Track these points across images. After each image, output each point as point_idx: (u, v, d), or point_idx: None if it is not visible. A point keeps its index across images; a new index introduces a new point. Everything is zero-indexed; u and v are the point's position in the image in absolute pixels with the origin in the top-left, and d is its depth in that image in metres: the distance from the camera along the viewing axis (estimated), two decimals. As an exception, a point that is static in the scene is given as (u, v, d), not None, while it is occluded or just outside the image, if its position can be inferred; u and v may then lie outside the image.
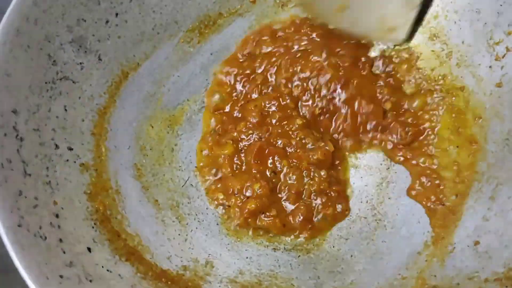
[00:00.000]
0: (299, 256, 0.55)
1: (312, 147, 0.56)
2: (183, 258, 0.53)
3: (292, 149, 0.57)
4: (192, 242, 0.55)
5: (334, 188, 0.57)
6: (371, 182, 0.58)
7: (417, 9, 0.53)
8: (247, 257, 0.55)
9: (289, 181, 0.56)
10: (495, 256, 0.46)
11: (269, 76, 0.61)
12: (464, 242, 0.49)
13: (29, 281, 0.39)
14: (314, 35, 0.61)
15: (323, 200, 0.56)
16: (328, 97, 0.58)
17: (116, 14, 0.56)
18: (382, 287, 0.50)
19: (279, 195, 0.56)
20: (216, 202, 0.58)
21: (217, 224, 0.57)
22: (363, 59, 0.60)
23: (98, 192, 0.51)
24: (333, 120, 0.59)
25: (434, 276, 0.48)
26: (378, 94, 0.59)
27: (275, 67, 0.61)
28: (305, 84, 0.60)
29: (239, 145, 0.59)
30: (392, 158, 0.58)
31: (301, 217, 0.55)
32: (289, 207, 0.56)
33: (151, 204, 0.56)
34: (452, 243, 0.50)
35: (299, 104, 0.60)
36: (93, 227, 0.49)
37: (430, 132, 0.57)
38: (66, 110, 0.52)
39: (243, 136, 0.58)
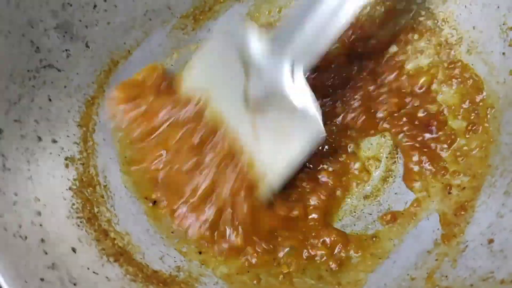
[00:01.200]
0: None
1: None
2: (176, 258, 0.51)
3: None
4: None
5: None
6: (377, 177, 0.56)
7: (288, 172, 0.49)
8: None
9: None
10: (511, 255, 0.44)
11: None
12: (477, 240, 0.47)
13: (5, 285, 0.37)
14: None
15: None
16: None
17: (105, -2, 0.54)
18: (389, 288, 0.48)
19: None
20: None
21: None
22: None
23: (84, 188, 0.50)
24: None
25: (445, 277, 0.47)
26: None
27: None
28: None
29: None
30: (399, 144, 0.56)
31: None
32: None
33: (142, 200, 0.54)
34: (464, 241, 0.49)
35: None
36: (78, 226, 0.47)
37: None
38: (50, 100, 0.50)
39: None
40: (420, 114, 0.56)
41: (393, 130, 0.56)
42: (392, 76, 0.57)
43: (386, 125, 0.56)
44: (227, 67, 0.47)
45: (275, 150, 0.47)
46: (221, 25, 0.48)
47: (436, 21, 0.57)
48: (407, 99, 0.56)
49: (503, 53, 0.52)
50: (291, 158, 0.46)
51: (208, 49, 0.48)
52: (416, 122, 0.55)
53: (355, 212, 0.55)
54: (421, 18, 0.58)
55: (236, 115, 0.48)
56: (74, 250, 0.45)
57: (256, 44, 0.45)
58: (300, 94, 0.44)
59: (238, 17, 0.51)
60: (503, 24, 0.52)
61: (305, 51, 0.44)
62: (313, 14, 0.42)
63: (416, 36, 0.58)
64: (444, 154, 0.54)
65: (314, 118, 0.44)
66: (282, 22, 0.45)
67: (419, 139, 0.55)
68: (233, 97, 0.47)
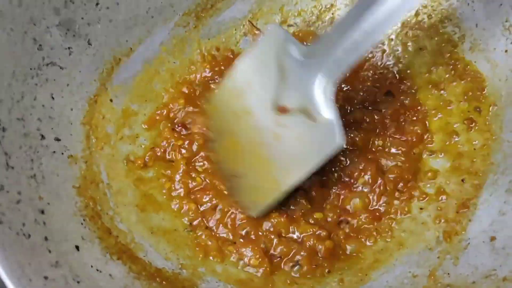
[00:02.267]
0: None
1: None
2: (179, 256, 0.51)
3: None
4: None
5: None
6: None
7: (279, 196, 0.51)
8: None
9: None
10: (514, 253, 0.44)
11: None
12: (479, 238, 0.47)
13: (10, 284, 0.37)
14: None
15: None
16: None
17: (107, -4, 0.54)
18: (391, 286, 0.48)
19: None
20: None
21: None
22: None
23: (87, 186, 0.50)
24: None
25: (447, 274, 0.47)
26: None
27: None
28: None
29: None
30: None
31: None
32: None
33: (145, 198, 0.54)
34: (466, 239, 0.48)
35: None
36: (82, 224, 0.47)
37: None
38: (53, 98, 0.50)
39: None
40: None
41: None
42: None
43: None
44: (265, 69, 0.49)
45: (294, 154, 0.48)
46: (269, 31, 0.49)
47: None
48: None
49: (506, 51, 0.52)
50: (307, 165, 0.48)
51: (253, 50, 0.50)
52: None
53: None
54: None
55: (263, 113, 0.49)
56: (77, 248, 0.44)
57: (295, 54, 0.47)
58: (328, 106, 0.46)
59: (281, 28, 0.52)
60: (506, 22, 0.52)
61: (339, 66, 0.46)
62: (352, 32, 0.44)
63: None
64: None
65: (338, 130, 0.46)
66: (322, 36, 0.47)
67: None
68: (264, 96, 0.49)
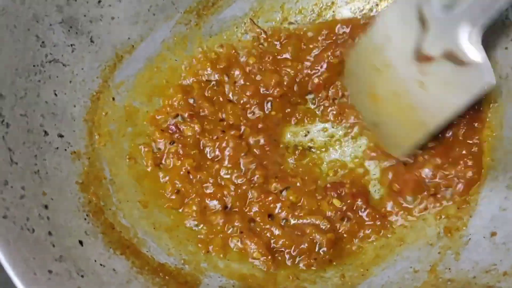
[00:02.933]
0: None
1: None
2: (181, 251, 0.51)
3: None
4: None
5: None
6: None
7: (425, 136, 0.52)
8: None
9: None
10: (514, 248, 0.44)
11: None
12: (480, 233, 0.48)
13: (15, 277, 0.37)
14: None
15: None
16: None
17: (109, -7, 0.54)
18: (392, 281, 0.48)
19: None
20: None
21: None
22: None
23: (90, 182, 0.50)
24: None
25: (448, 270, 0.47)
26: None
27: None
28: None
29: None
30: None
31: None
32: None
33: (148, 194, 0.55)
34: (467, 234, 0.49)
35: None
36: (85, 219, 0.47)
37: None
38: (56, 95, 0.50)
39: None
40: None
41: None
42: None
43: None
44: (405, 21, 0.50)
45: (441, 97, 0.49)
46: None
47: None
48: None
49: (506, 48, 0.52)
50: (456, 106, 0.49)
51: (391, 5, 0.52)
52: None
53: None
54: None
55: (405, 65, 0.51)
56: (81, 243, 0.45)
57: (436, 2, 0.47)
58: (476, 49, 0.46)
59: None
60: (506, 19, 0.51)
61: (485, 12, 0.45)
62: None
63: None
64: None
65: (488, 69, 0.46)
66: None
67: None
68: (405, 49, 0.50)
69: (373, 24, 0.54)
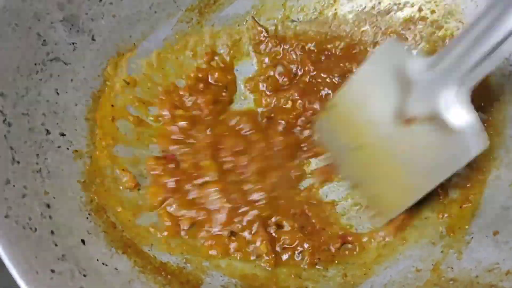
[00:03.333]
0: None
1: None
2: (183, 250, 0.51)
3: None
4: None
5: None
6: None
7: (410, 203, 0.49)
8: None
9: None
10: (517, 247, 0.44)
11: None
12: (483, 232, 0.48)
13: (17, 276, 0.37)
14: None
15: None
16: None
17: (110, -9, 0.54)
18: (395, 280, 0.48)
19: None
20: None
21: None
22: None
23: (92, 181, 0.50)
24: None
25: (450, 269, 0.47)
26: None
27: None
28: None
29: None
30: None
31: None
32: None
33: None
34: (470, 233, 0.49)
35: None
36: (87, 218, 0.47)
37: None
38: (57, 93, 0.50)
39: None
40: None
41: None
42: None
43: None
44: (384, 81, 0.47)
45: (427, 163, 0.46)
46: (382, 46, 0.48)
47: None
48: None
49: (509, 46, 0.52)
50: (445, 170, 0.45)
51: (365, 67, 0.49)
52: None
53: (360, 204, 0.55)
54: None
55: (387, 125, 0.48)
56: (83, 242, 0.45)
57: (417, 66, 0.44)
58: (463, 110, 0.42)
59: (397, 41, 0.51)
60: (509, 17, 0.52)
61: (472, 74, 0.41)
62: (488, 38, 0.39)
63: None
64: None
65: (480, 132, 0.41)
66: (449, 45, 0.42)
67: None
68: (386, 108, 0.47)
69: (348, 82, 0.51)
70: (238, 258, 0.51)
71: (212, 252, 0.51)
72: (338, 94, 0.53)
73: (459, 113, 0.42)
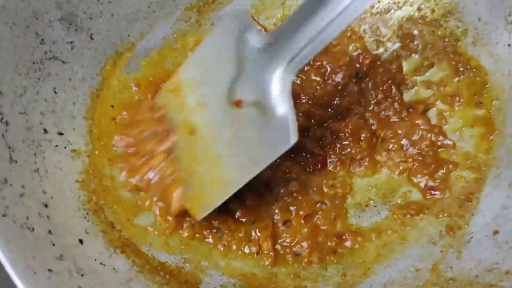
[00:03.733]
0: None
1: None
2: (182, 249, 0.51)
3: None
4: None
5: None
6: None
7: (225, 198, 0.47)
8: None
9: None
10: (517, 247, 0.44)
11: None
12: (482, 232, 0.48)
13: (14, 276, 0.37)
14: None
15: None
16: None
17: (109, -10, 0.54)
18: (394, 280, 0.48)
19: None
20: None
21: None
22: None
23: (90, 181, 0.50)
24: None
25: (450, 268, 0.47)
26: None
27: None
28: None
29: None
30: None
31: None
32: None
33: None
34: (469, 232, 0.49)
35: None
36: (85, 218, 0.47)
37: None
38: (55, 92, 0.50)
39: None
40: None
41: None
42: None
43: None
44: (221, 59, 0.45)
45: (243, 153, 0.45)
46: (225, 17, 0.47)
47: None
48: None
49: (509, 45, 0.52)
50: (256, 164, 0.45)
51: (209, 39, 0.47)
52: None
53: (360, 205, 0.55)
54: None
55: (217, 107, 0.46)
56: (81, 241, 0.45)
57: (255, 42, 0.44)
58: (284, 100, 0.43)
59: (244, 12, 0.50)
60: (509, 16, 0.52)
61: (299, 58, 0.42)
62: (314, 20, 0.40)
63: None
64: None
65: (292, 127, 0.42)
66: (282, 25, 0.42)
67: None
68: (218, 89, 0.46)
69: (190, 56, 0.49)
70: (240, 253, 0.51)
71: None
72: (175, 75, 0.50)
73: (279, 102, 0.42)
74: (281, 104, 0.42)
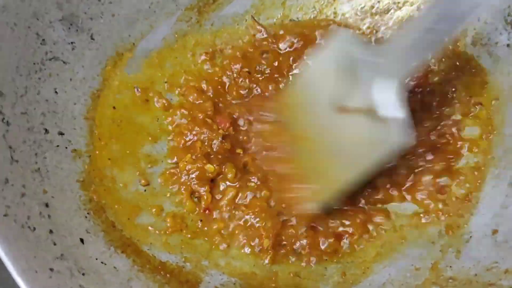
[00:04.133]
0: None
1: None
2: (183, 249, 0.51)
3: None
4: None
5: None
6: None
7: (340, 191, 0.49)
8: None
9: None
10: (516, 246, 0.44)
11: None
12: (482, 231, 0.48)
13: (16, 276, 0.37)
14: None
15: None
16: None
17: (109, -10, 0.54)
18: (394, 279, 0.49)
19: None
20: None
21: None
22: None
23: (91, 181, 0.50)
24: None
25: (449, 267, 0.47)
26: None
27: None
28: None
29: None
30: None
31: None
32: None
33: (149, 192, 0.54)
34: (469, 232, 0.49)
35: None
36: (86, 217, 0.47)
37: None
38: (56, 93, 0.50)
39: None
40: None
41: None
42: None
43: None
44: (333, 69, 0.48)
45: (353, 153, 0.47)
46: (338, 36, 0.49)
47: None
48: None
49: (508, 45, 0.52)
50: (368, 162, 0.46)
51: (323, 52, 0.49)
52: None
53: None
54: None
55: (323, 113, 0.48)
56: (82, 241, 0.45)
57: (363, 55, 0.46)
58: (396, 105, 0.44)
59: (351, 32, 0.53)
60: (508, 16, 0.51)
61: (411, 68, 0.44)
62: (420, 33, 0.42)
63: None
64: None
65: (406, 128, 0.44)
66: (392, 37, 0.46)
67: None
68: (327, 97, 0.48)
69: (304, 66, 0.52)
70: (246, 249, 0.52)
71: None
72: (292, 80, 0.53)
73: (391, 107, 0.44)
74: (393, 109, 0.44)
